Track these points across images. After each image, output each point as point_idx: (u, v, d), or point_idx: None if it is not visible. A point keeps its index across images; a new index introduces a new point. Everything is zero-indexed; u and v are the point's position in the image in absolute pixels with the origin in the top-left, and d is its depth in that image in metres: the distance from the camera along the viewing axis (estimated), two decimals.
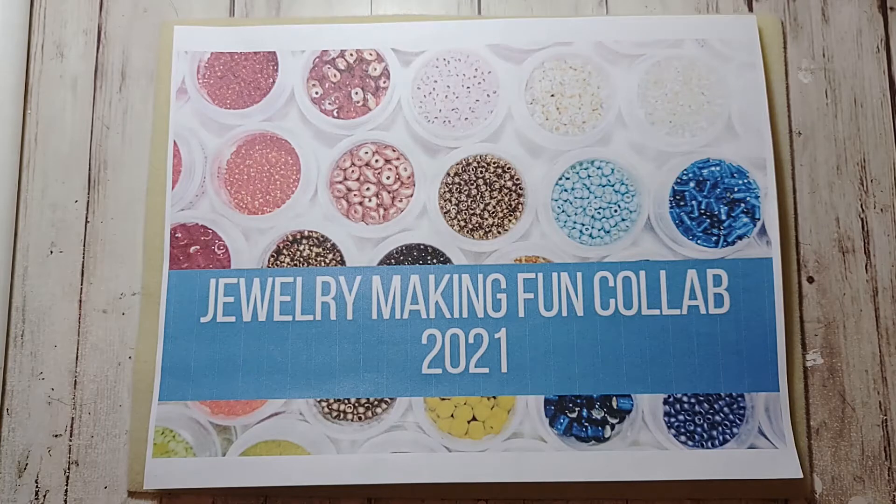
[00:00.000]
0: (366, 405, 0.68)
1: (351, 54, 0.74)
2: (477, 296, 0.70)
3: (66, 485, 0.70)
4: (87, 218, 0.74)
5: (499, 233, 0.71)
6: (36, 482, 0.70)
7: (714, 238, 0.70)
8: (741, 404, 0.68)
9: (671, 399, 0.68)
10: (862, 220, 0.72)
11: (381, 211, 0.71)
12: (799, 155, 0.73)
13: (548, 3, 0.77)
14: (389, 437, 0.68)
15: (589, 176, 0.72)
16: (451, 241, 0.71)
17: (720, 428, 0.67)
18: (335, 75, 0.74)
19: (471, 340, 0.69)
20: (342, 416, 0.68)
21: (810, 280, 0.71)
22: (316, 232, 0.71)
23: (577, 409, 0.68)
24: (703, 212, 0.71)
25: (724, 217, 0.70)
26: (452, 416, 0.68)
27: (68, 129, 0.75)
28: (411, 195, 0.72)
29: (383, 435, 0.68)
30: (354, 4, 0.77)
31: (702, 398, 0.68)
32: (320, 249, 0.71)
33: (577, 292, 0.70)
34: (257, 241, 0.71)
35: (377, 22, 0.75)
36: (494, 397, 0.68)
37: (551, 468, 0.67)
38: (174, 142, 0.73)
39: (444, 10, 0.77)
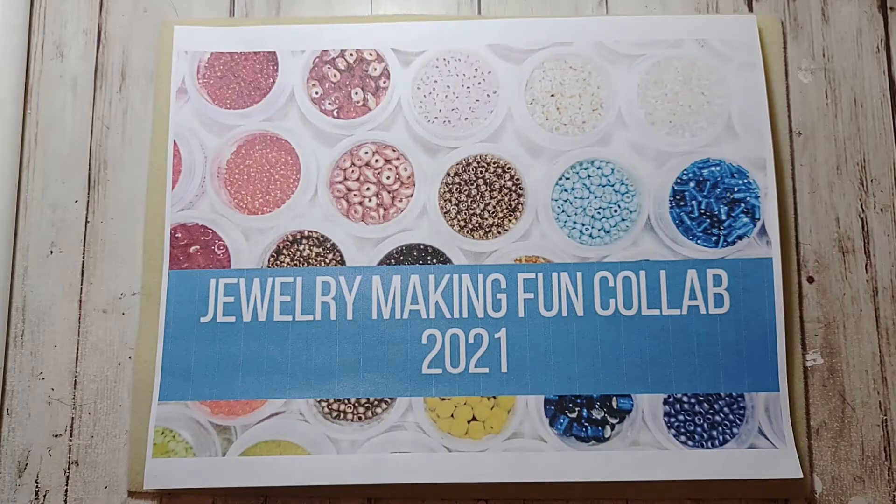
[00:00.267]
0: (366, 405, 0.68)
1: (351, 54, 0.74)
2: (477, 296, 0.70)
3: (66, 485, 0.70)
4: (87, 218, 0.74)
5: (499, 233, 0.71)
6: (36, 482, 0.70)
7: (714, 238, 0.70)
8: (741, 404, 0.68)
9: (671, 399, 0.68)
10: (862, 220, 0.72)
11: (381, 211, 0.71)
12: (799, 155, 0.73)
13: (548, 3, 0.77)
14: (389, 437, 0.68)
15: (589, 176, 0.72)
16: (451, 241, 0.71)
17: (720, 428, 0.67)
18: (335, 75, 0.74)
19: (471, 340, 0.69)
20: (342, 416, 0.68)
21: (810, 280, 0.71)
22: (316, 232, 0.71)
23: (577, 409, 0.68)
24: (703, 212, 0.71)
25: (724, 217, 0.70)
26: (452, 416, 0.68)
27: (68, 129, 0.75)
28: (411, 195, 0.72)
29: (383, 435, 0.68)
30: (354, 4, 0.77)
31: (702, 398, 0.68)
32: (320, 249, 0.71)
33: (577, 292, 0.70)
34: (257, 241, 0.71)
35: (377, 22, 0.75)
36: (494, 397, 0.68)
37: (551, 468, 0.67)
38: (174, 142, 0.73)
39: (444, 10, 0.77)
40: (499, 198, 0.71)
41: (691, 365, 0.68)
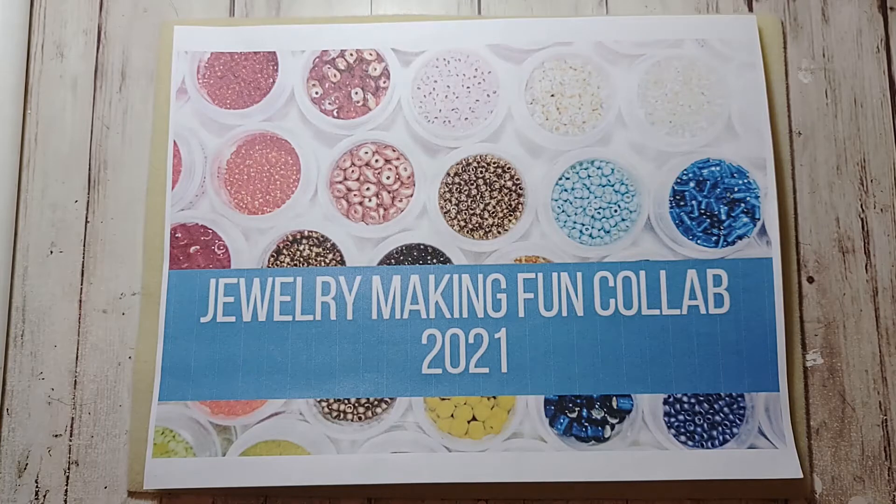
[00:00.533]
0: (366, 405, 0.68)
1: (351, 54, 0.74)
2: (477, 296, 0.70)
3: (66, 485, 0.70)
4: (87, 218, 0.74)
5: (499, 233, 0.71)
6: (36, 482, 0.70)
7: (714, 238, 0.70)
8: (741, 404, 0.68)
9: (671, 399, 0.68)
10: (862, 220, 0.72)
11: (381, 211, 0.71)
12: (799, 155, 0.73)
13: (548, 3, 0.77)
14: (389, 437, 0.68)
15: (589, 176, 0.72)
16: (451, 241, 0.71)
17: (720, 428, 0.67)
18: (335, 75, 0.74)
19: (471, 340, 0.69)
20: (342, 416, 0.68)
21: (810, 280, 0.71)
22: (316, 232, 0.71)
23: (577, 409, 0.68)
24: (703, 212, 0.71)
25: (724, 217, 0.70)
26: (452, 416, 0.68)
27: (68, 129, 0.75)
28: (411, 195, 0.72)
29: (383, 435, 0.68)
30: (354, 4, 0.77)
31: (702, 398, 0.68)
32: (320, 249, 0.71)
33: (577, 292, 0.70)
34: (257, 241, 0.71)
35: (377, 22, 0.75)
36: (494, 397, 0.68)
37: (551, 468, 0.67)
38: (174, 142, 0.73)
39: (444, 10, 0.77)
40: (499, 198, 0.71)
41: (691, 365, 0.68)
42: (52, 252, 0.73)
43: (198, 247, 0.71)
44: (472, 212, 0.71)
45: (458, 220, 0.71)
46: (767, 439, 0.67)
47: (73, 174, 0.74)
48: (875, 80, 0.74)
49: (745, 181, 0.71)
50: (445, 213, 0.71)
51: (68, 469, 0.70)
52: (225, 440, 0.68)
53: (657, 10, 0.76)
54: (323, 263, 0.71)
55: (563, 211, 0.71)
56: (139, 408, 0.70)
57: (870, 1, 0.76)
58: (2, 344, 0.71)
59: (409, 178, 0.72)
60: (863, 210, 0.72)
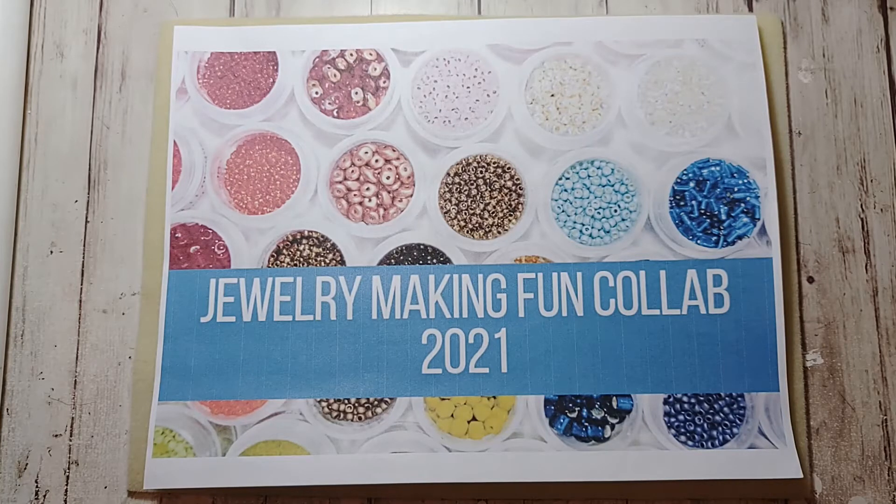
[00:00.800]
0: (366, 405, 0.68)
1: (351, 54, 0.74)
2: (477, 296, 0.70)
3: (66, 485, 0.70)
4: (87, 218, 0.74)
5: (499, 233, 0.71)
6: (36, 482, 0.70)
7: (714, 238, 0.70)
8: (741, 404, 0.68)
9: (671, 399, 0.68)
10: (862, 220, 0.72)
11: (381, 211, 0.71)
12: (799, 155, 0.73)
13: (548, 3, 0.77)
14: (389, 437, 0.68)
15: (589, 176, 0.72)
16: (451, 241, 0.71)
17: (720, 428, 0.67)
18: (335, 75, 0.74)
19: (471, 340, 0.69)
20: (342, 416, 0.68)
21: (810, 280, 0.71)
22: (316, 232, 0.71)
23: (577, 409, 0.68)
24: (703, 212, 0.71)
25: (724, 217, 0.70)
26: (452, 416, 0.68)
27: (68, 129, 0.75)
28: (411, 195, 0.72)
29: (383, 435, 0.68)
30: (354, 4, 0.77)
31: (702, 398, 0.68)
32: (320, 249, 0.71)
33: (577, 292, 0.70)
34: (257, 241, 0.71)
35: (377, 22, 0.75)
36: (494, 397, 0.68)
37: (551, 468, 0.67)
38: (174, 142, 0.73)
39: (444, 10, 0.77)
40: (499, 198, 0.71)
41: (691, 365, 0.68)
42: (52, 252, 0.73)
43: (198, 247, 0.71)
44: (472, 212, 0.71)
45: (458, 220, 0.71)
46: (767, 439, 0.67)
47: (73, 174, 0.74)
48: (875, 80, 0.74)
49: (745, 181, 0.71)
50: (445, 213, 0.71)
51: (68, 469, 0.70)
52: (225, 440, 0.68)
53: (657, 10, 0.76)
54: (323, 263, 0.71)
55: (563, 211, 0.71)
56: (139, 408, 0.70)
57: (870, 1, 0.76)
58: (2, 344, 0.71)
59: (409, 178, 0.72)
60: (863, 210, 0.72)
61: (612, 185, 0.71)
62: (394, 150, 0.72)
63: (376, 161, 0.72)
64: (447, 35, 0.74)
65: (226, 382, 0.69)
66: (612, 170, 0.71)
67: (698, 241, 0.70)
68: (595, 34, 0.74)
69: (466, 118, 0.73)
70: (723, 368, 0.68)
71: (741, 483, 0.67)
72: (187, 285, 0.70)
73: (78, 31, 0.77)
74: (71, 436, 0.70)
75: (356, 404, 0.68)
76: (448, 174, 0.72)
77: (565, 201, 0.71)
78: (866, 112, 0.74)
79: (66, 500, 0.70)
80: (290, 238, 0.71)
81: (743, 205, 0.70)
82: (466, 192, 0.72)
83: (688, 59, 0.73)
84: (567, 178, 0.72)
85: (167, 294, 0.70)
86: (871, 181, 0.73)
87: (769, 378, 0.68)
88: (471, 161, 0.72)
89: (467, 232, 0.71)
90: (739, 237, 0.70)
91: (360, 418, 0.68)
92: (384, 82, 0.73)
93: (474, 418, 0.68)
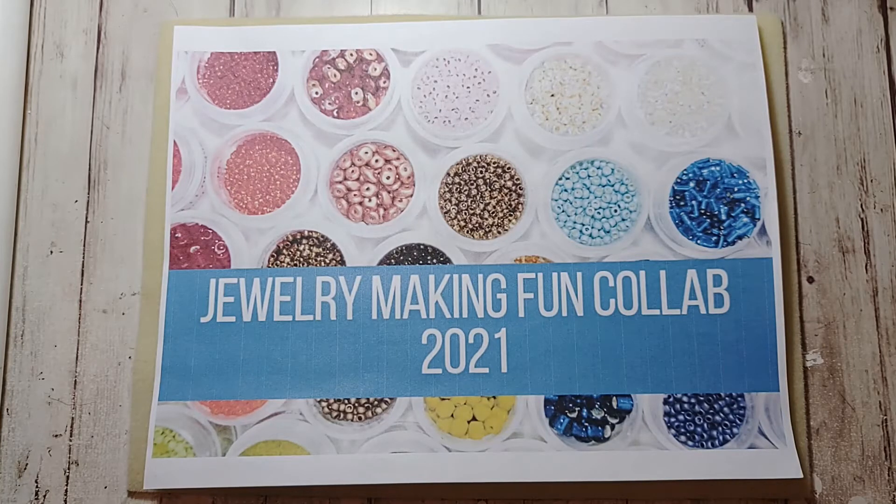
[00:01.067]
0: (366, 405, 0.68)
1: (351, 54, 0.74)
2: (477, 296, 0.70)
3: (66, 485, 0.70)
4: (87, 218, 0.74)
5: (499, 233, 0.71)
6: (36, 482, 0.70)
7: (714, 238, 0.70)
8: (741, 404, 0.68)
9: (671, 399, 0.68)
10: (862, 220, 0.72)
11: (381, 211, 0.71)
12: (799, 155, 0.73)
13: (548, 3, 0.77)
14: (389, 437, 0.68)
15: (589, 176, 0.72)
16: (451, 241, 0.71)
17: (720, 428, 0.67)
18: (335, 75, 0.74)
19: (471, 340, 0.69)
20: (342, 416, 0.68)
21: (810, 280, 0.71)
22: (316, 232, 0.71)
23: (577, 409, 0.68)
24: (703, 212, 0.71)
25: (724, 217, 0.70)
26: (452, 416, 0.68)
27: (68, 129, 0.75)
28: (411, 195, 0.72)
29: (383, 435, 0.68)
30: (354, 4, 0.77)
31: (702, 398, 0.68)
32: (320, 249, 0.71)
33: (577, 292, 0.70)
34: (257, 241, 0.71)
35: (377, 22, 0.75)
36: (494, 397, 0.68)
37: (551, 468, 0.67)
38: (174, 142, 0.73)
39: (444, 10, 0.77)
40: (499, 198, 0.71)
41: (691, 365, 0.68)
42: (52, 252, 0.73)
43: (198, 247, 0.71)
44: (472, 212, 0.71)
45: (458, 220, 0.71)
46: (767, 439, 0.67)
47: (73, 174, 0.74)
48: (875, 80, 0.74)
49: (745, 181, 0.71)
50: (445, 213, 0.71)
51: (68, 469, 0.70)
52: (225, 440, 0.68)
53: (657, 10, 0.76)
54: (323, 263, 0.71)
55: (563, 211, 0.71)
56: (139, 408, 0.70)
57: (870, 1, 0.76)
58: (2, 344, 0.71)
59: (409, 178, 0.72)
60: (863, 210, 0.72)
61: (612, 185, 0.71)
62: (394, 150, 0.72)
63: (376, 161, 0.72)
64: (447, 35, 0.74)
65: (226, 382, 0.69)
66: (612, 170, 0.71)
67: (698, 241, 0.70)
68: (595, 34, 0.74)
69: (466, 118, 0.73)
70: (723, 368, 0.68)
71: (741, 483, 0.67)
72: (187, 285, 0.70)
73: (78, 31, 0.77)
74: (71, 436, 0.70)
75: (356, 404, 0.68)
76: (448, 174, 0.72)
77: (565, 201, 0.71)
78: (866, 112, 0.74)
79: (66, 500, 0.70)
80: (290, 238, 0.71)
81: (743, 205, 0.70)
82: (466, 192, 0.72)
83: (688, 59, 0.73)
84: (567, 178, 0.72)
85: (167, 294, 0.70)
86: (871, 181, 0.73)
87: (769, 378, 0.68)
88: (471, 161, 0.72)
89: (467, 232, 0.71)
90: (739, 237, 0.70)
91: (360, 418, 0.68)
92: (384, 82, 0.73)
93: (474, 418, 0.68)
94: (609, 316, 0.69)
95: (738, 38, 0.73)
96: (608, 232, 0.71)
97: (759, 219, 0.70)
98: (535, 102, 0.73)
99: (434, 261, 0.71)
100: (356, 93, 0.73)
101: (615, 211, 0.71)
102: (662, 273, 0.70)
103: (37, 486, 0.70)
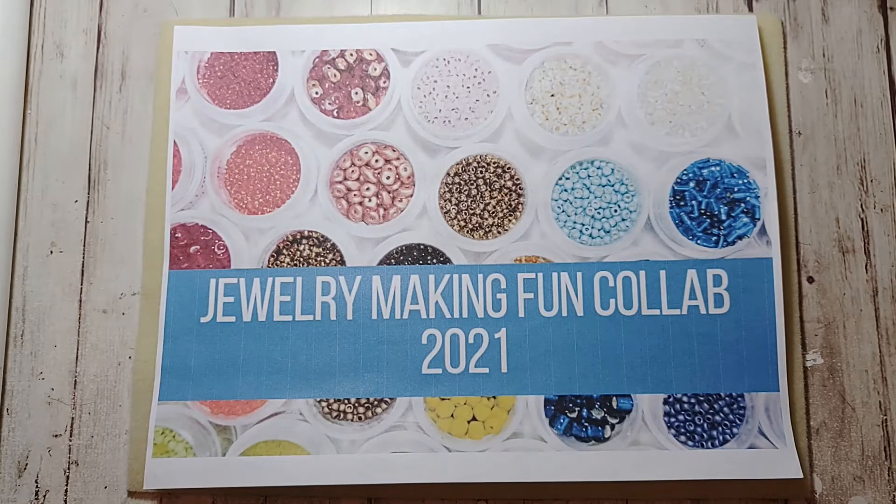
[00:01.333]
0: (366, 405, 0.68)
1: (351, 54, 0.74)
2: (477, 296, 0.70)
3: (66, 485, 0.70)
4: (87, 218, 0.74)
5: (499, 233, 0.71)
6: (36, 482, 0.70)
7: (714, 238, 0.70)
8: (741, 404, 0.68)
9: (671, 399, 0.68)
10: (862, 220, 0.72)
11: (381, 211, 0.71)
12: (799, 155, 0.73)
13: (548, 3, 0.77)
14: (389, 437, 0.68)
15: (589, 176, 0.72)
16: (451, 241, 0.71)
17: (720, 428, 0.67)
18: (335, 75, 0.74)
19: (471, 340, 0.69)
20: (342, 416, 0.68)
21: (810, 280, 0.71)
22: (316, 232, 0.71)
23: (577, 409, 0.68)
24: (703, 212, 0.71)
25: (724, 217, 0.70)
26: (452, 416, 0.68)
27: (68, 129, 0.75)
28: (411, 195, 0.72)
29: (383, 435, 0.68)
30: (354, 4, 0.77)
31: (702, 398, 0.68)
32: (320, 249, 0.71)
33: (577, 292, 0.70)
34: (257, 241, 0.71)
35: (377, 22, 0.75)
36: (494, 397, 0.68)
37: (551, 468, 0.67)
38: (174, 142, 0.73)
39: (444, 9, 0.77)
40: (499, 198, 0.71)
41: (691, 365, 0.68)
42: (52, 252, 0.73)
43: (198, 247, 0.71)
44: (472, 212, 0.71)
45: (458, 220, 0.71)
46: (767, 439, 0.67)
47: (73, 174, 0.74)
48: (875, 80, 0.74)
49: (745, 181, 0.71)
50: (445, 213, 0.71)
51: (68, 469, 0.70)
52: (225, 440, 0.68)
53: (657, 10, 0.76)
54: (323, 263, 0.71)
55: (563, 211, 0.71)
56: (139, 408, 0.70)
57: (870, 1, 0.76)
58: (2, 344, 0.71)
59: (409, 178, 0.72)
60: (863, 210, 0.72)
61: (612, 185, 0.71)
62: (394, 150, 0.72)
63: (376, 161, 0.72)
64: (447, 35, 0.74)
65: (226, 382, 0.69)
66: (612, 170, 0.71)
67: (698, 241, 0.70)
68: (595, 34, 0.74)
69: (466, 118, 0.73)
70: (723, 368, 0.68)
71: (741, 483, 0.67)
72: (187, 285, 0.70)
73: (78, 31, 0.77)
74: (71, 436, 0.70)
75: (356, 404, 0.68)
76: (448, 174, 0.72)
77: (565, 201, 0.71)
78: (866, 112, 0.74)
79: (66, 500, 0.70)
80: (290, 238, 0.71)
81: (743, 205, 0.70)
82: (466, 192, 0.72)
83: (688, 59, 0.73)
84: (567, 178, 0.72)
85: (167, 294, 0.70)
86: (871, 181, 0.73)
87: (769, 378, 0.68)
88: (471, 161, 0.72)
89: (467, 232, 0.71)
90: (739, 237, 0.70)
91: (360, 418, 0.68)
92: (384, 82, 0.73)
93: (474, 418, 0.68)
94: (609, 316, 0.69)
95: (738, 38, 0.73)
96: (608, 232, 0.71)
97: (759, 219, 0.70)
98: (535, 102, 0.73)
99: (434, 261, 0.71)
100: (356, 93, 0.73)
101: (615, 211, 0.71)
102: (662, 273, 0.70)
103: (37, 486, 0.70)
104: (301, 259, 0.71)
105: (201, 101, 0.73)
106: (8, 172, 0.72)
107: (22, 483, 0.70)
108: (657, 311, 0.69)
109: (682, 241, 0.70)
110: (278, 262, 0.71)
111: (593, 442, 0.67)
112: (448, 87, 0.73)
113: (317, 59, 0.74)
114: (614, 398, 0.68)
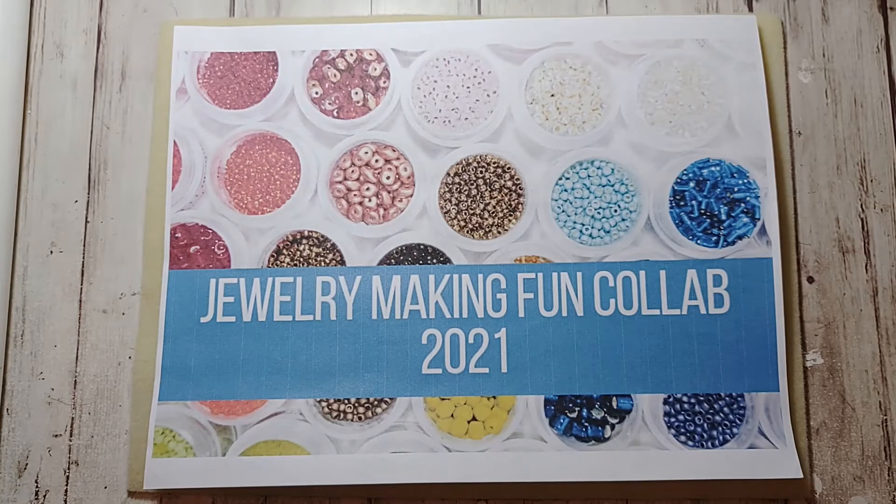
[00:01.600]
0: (366, 405, 0.68)
1: (351, 54, 0.74)
2: (477, 296, 0.70)
3: (66, 485, 0.70)
4: (87, 218, 0.74)
5: (499, 233, 0.71)
6: (36, 482, 0.70)
7: (714, 238, 0.70)
8: (741, 404, 0.68)
9: (671, 399, 0.68)
10: (862, 220, 0.72)
11: (381, 211, 0.71)
12: (799, 155, 0.73)
13: (548, 3, 0.77)
14: (389, 437, 0.68)
15: (589, 176, 0.72)
16: (451, 241, 0.71)
17: (720, 428, 0.67)
18: (335, 75, 0.74)
19: (471, 340, 0.69)
20: (342, 416, 0.68)
21: (810, 280, 0.71)
22: (316, 232, 0.71)
23: (577, 409, 0.68)
24: (703, 212, 0.71)
25: (724, 217, 0.70)
26: (452, 416, 0.68)
27: (68, 129, 0.75)
28: (411, 195, 0.72)
29: (383, 435, 0.68)
30: (354, 4, 0.77)
31: (702, 398, 0.68)
32: (320, 249, 0.71)
33: (577, 292, 0.70)
34: (257, 241, 0.71)
35: (377, 22, 0.75)
36: (494, 397, 0.68)
37: (551, 468, 0.67)
38: (174, 142, 0.73)
39: (444, 9, 0.77)
40: (499, 198, 0.71)
41: (691, 365, 0.68)
42: (52, 252, 0.73)
43: (198, 247, 0.71)
44: (472, 212, 0.71)
45: (458, 220, 0.71)
46: (767, 439, 0.67)
47: (73, 174, 0.74)
48: (875, 80, 0.74)
49: (745, 181, 0.71)
50: (445, 213, 0.71)
51: (68, 469, 0.70)
52: (225, 440, 0.68)
53: (657, 10, 0.76)
54: (323, 263, 0.71)
55: (563, 211, 0.71)
56: (139, 408, 0.70)
57: (870, 1, 0.76)
58: (2, 344, 0.71)
59: (409, 178, 0.72)
60: (863, 210, 0.72)
61: (612, 185, 0.71)
62: (394, 150, 0.72)
63: (376, 161, 0.72)
64: (447, 35, 0.74)
65: (226, 382, 0.69)
66: (612, 170, 0.71)
67: (698, 241, 0.70)
68: (595, 34, 0.74)
69: (466, 118, 0.73)
70: (723, 368, 0.68)
71: (741, 483, 0.67)
72: (187, 285, 0.70)
73: (78, 31, 0.77)
74: (71, 436, 0.70)
75: (356, 404, 0.68)
76: (448, 174, 0.72)
77: (565, 201, 0.71)
78: (866, 112, 0.74)
79: (66, 500, 0.70)
80: (290, 238, 0.71)
81: (743, 205, 0.70)
82: (466, 192, 0.72)
83: (688, 59, 0.73)
84: (567, 178, 0.72)
85: (167, 294, 0.70)
86: (871, 181, 0.73)
87: (769, 378, 0.68)
88: (471, 161, 0.72)
89: (467, 232, 0.71)
90: (739, 237, 0.70)
91: (360, 418, 0.68)
92: (384, 82, 0.73)
93: (474, 418, 0.68)
94: (609, 316, 0.69)
95: (738, 38, 0.73)
96: (608, 232, 0.71)
97: (759, 219, 0.70)
98: (535, 102, 0.73)
99: (434, 261, 0.71)
100: (356, 93, 0.73)
101: (615, 211, 0.71)
102: (662, 273, 0.70)
103: (37, 486, 0.70)
104: (301, 259, 0.71)
105: (201, 101, 0.73)
106: (8, 172, 0.72)
107: (22, 483, 0.70)
108: (657, 311, 0.69)
109: (682, 241, 0.70)
110: (278, 262, 0.71)
111: (593, 442, 0.67)
112: (448, 87, 0.73)
113: (317, 59, 0.74)
114: (614, 398, 0.68)
